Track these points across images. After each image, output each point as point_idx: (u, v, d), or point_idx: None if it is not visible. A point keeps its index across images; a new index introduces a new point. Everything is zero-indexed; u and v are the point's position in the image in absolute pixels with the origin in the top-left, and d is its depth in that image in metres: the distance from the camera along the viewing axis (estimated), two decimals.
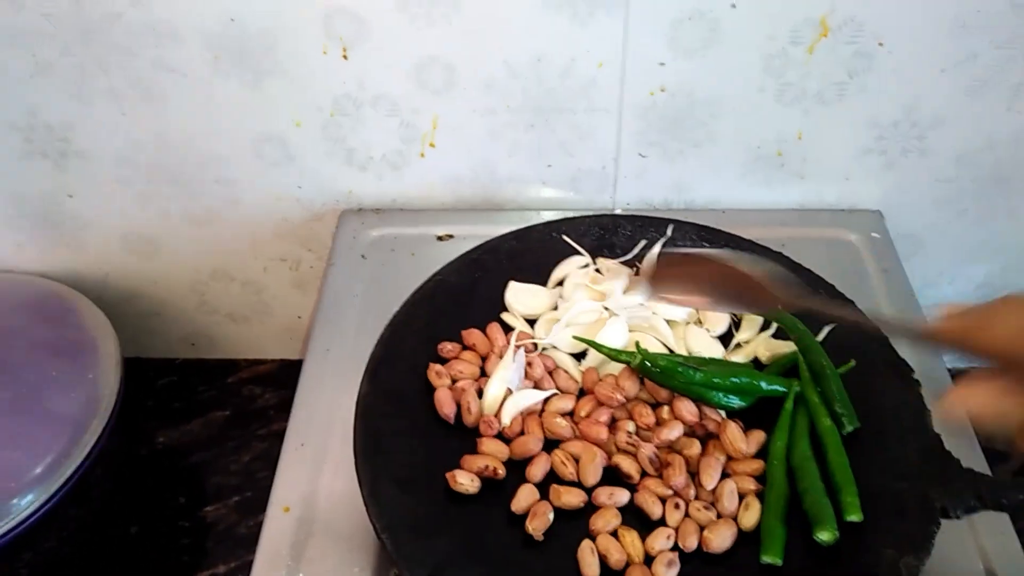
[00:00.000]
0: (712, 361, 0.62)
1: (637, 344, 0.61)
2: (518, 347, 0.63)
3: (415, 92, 0.75)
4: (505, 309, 0.68)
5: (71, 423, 0.75)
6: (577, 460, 0.57)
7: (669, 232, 0.72)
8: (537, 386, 0.62)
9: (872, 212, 0.81)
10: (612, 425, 0.59)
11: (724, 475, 0.57)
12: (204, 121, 0.77)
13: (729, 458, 0.58)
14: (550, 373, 0.63)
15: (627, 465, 0.56)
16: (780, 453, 0.57)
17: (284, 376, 0.72)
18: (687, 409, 0.59)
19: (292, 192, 0.82)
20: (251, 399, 0.95)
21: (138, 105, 0.76)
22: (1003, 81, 0.72)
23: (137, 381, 0.97)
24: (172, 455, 0.91)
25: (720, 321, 0.67)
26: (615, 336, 0.64)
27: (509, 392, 0.61)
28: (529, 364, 0.63)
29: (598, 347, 0.61)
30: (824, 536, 0.52)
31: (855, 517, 0.52)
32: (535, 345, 0.65)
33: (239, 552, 0.82)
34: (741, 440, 0.57)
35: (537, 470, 0.57)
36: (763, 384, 0.59)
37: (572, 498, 0.55)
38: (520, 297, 0.68)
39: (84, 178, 0.82)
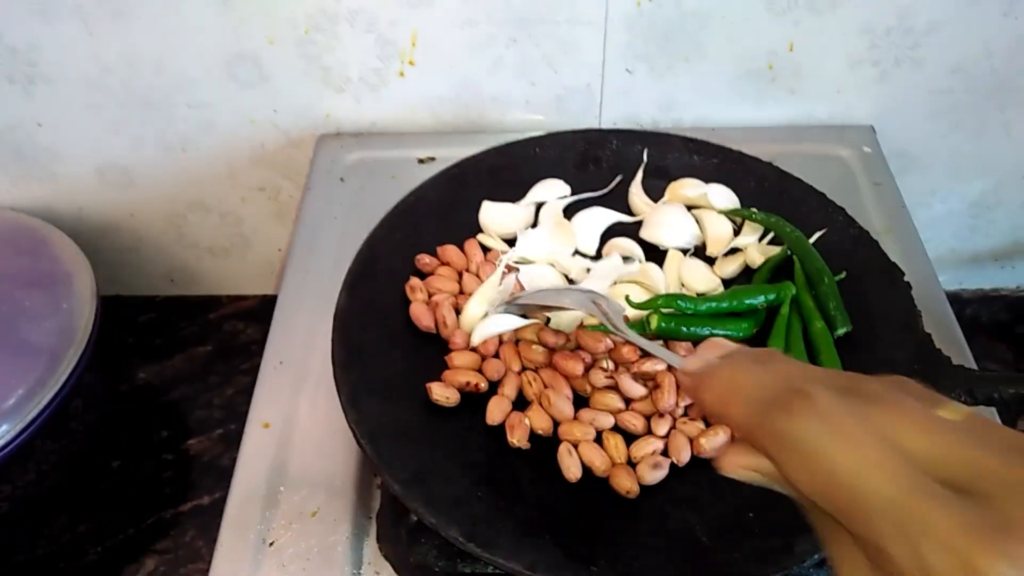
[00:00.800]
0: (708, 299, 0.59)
1: (627, 297, 0.57)
2: (506, 272, 0.61)
3: (393, 4, 0.72)
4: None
5: (45, 354, 0.73)
6: (546, 385, 0.55)
7: (645, 157, 0.69)
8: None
9: (864, 127, 0.79)
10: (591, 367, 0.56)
11: None
12: (174, 40, 0.74)
13: None
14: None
15: (607, 400, 0.54)
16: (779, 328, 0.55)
17: (267, 312, 0.70)
18: (681, 345, 0.56)
19: (268, 116, 0.80)
20: (233, 334, 0.93)
21: (105, 24, 0.73)
22: None
23: (117, 319, 0.96)
24: (154, 391, 0.90)
25: (721, 243, 0.64)
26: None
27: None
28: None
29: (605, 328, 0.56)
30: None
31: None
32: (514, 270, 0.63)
33: (223, 483, 0.79)
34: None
35: (509, 389, 0.55)
36: (760, 298, 0.57)
37: (542, 421, 0.53)
38: (494, 216, 0.66)
39: (53, 105, 0.79)
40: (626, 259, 0.63)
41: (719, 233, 0.63)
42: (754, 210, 0.65)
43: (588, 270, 0.63)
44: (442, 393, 0.54)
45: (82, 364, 0.74)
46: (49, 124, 0.81)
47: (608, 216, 0.67)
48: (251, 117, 0.80)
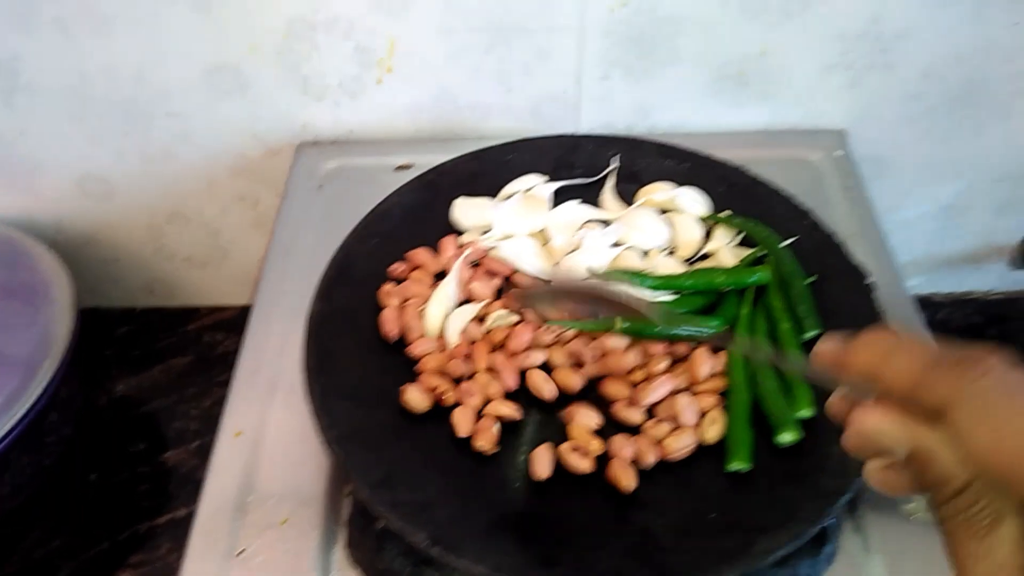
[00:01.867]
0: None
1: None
2: (459, 255, 0.62)
3: (370, 13, 0.72)
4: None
5: (21, 365, 0.72)
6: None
7: (616, 163, 0.70)
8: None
9: (836, 132, 0.79)
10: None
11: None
12: (154, 50, 0.75)
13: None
14: (507, 278, 0.62)
15: (568, 379, 0.55)
16: (740, 359, 0.55)
17: (245, 323, 0.70)
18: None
19: (248, 125, 0.80)
20: (212, 345, 0.93)
21: (86, 34, 0.73)
22: None
23: (97, 331, 0.95)
24: (132, 403, 0.89)
25: (691, 246, 0.65)
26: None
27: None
28: (480, 269, 0.62)
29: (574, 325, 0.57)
30: (786, 437, 0.51)
31: (806, 412, 0.52)
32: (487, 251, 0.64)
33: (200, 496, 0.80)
34: (702, 364, 0.55)
35: (476, 398, 0.55)
36: (723, 278, 0.58)
37: (507, 410, 0.54)
38: (467, 212, 0.66)
39: (34, 115, 0.79)
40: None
41: (690, 237, 0.64)
42: (729, 213, 0.65)
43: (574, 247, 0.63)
44: (414, 398, 0.54)
45: (59, 377, 0.73)
46: (30, 134, 0.81)
47: (584, 212, 0.67)
48: (231, 127, 0.80)
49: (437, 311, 0.59)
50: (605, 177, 0.70)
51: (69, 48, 0.74)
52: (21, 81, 0.76)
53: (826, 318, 0.57)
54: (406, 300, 0.61)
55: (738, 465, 0.51)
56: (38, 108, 0.78)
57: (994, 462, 0.25)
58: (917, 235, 0.90)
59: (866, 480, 0.31)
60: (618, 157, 0.70)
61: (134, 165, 0.83)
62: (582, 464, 0.51)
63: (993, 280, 0.96)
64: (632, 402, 0.53)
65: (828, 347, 0.32)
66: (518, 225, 0.65)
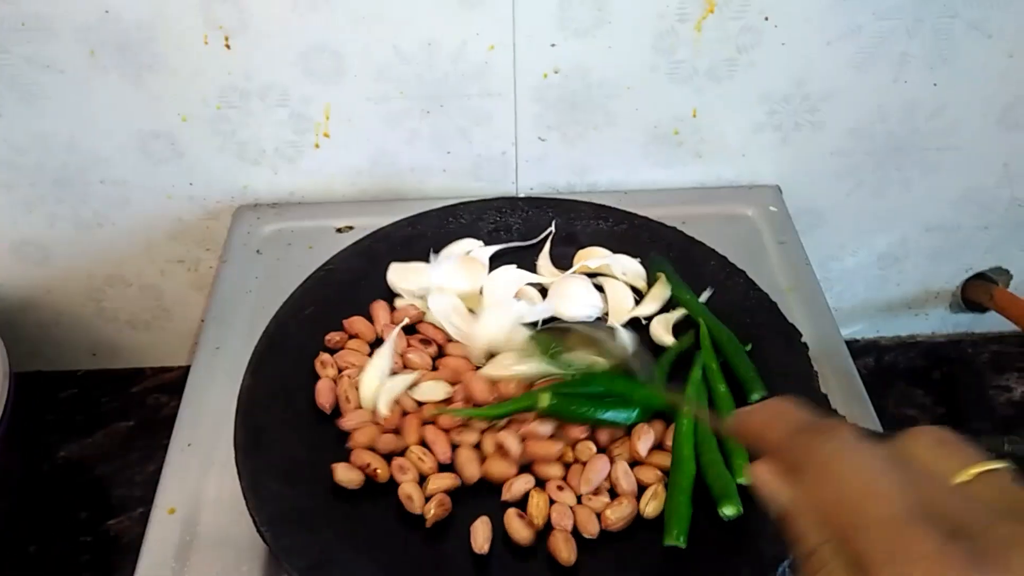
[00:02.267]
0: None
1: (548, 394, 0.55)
2: (393, 322, 0.62)
3: (304, 81, 0.73)
4: (396, 295, 0.67)
5: None
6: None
7: (552, 228, 0.71)
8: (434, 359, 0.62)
9: (770, 187, 0.81)
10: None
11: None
12: (86, 120, 0.74)
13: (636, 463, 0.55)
14: (441, 346, 0.63)
15: (498, 468, 0.54)
16: (688, 431, 0.55)
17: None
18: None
19: (184, 190, 0.80)
20: (156, 408, 0.92)
21: (15, 105, 0.73)
22: (888, 52, 0.73)
23: (37, 395, 0.93)
24: (74, 469, 0.87)
25: (623, 313, 0.65)
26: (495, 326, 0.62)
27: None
28: (415, 337, 0.63)
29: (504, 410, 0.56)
30: (728, 511, 0.51)
31: (744, 480, 0.52)
32: (422, 314, 0.64)
33: None
34: (641, 439, 0.55)
35: (410, 474, 0.54)
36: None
37: (448, 481, 0.53)
38: (403, 275, 0.66)
39: None
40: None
41: (620, 303, 0.64)
42: (662, 274, 0.66)
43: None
44: (346, 475, 0.54)
45: None
46: None
47: (521, 276, 0.67)
48: (167, 192, 0.80)
49: (371, 381, 0.59)
50: (542, 240, 0.70)
51: None
52: None
53: (761, 377, 0.58)
54: (342, 370, 0.61)
55: (674, 542, 0.50)
56: None
57: (830, 517, 0.28)
58: (858, 282, 0.92)
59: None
60: (553, 223, 0.71)
61: (69, 231, 0.82)
62: (524, 533, 0.51)
63: (935, 323, 0.98)
64: (564, 486, 0.53)
65: (737, 414, 0.36)
66: (454, 286, 0.66)
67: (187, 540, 0.58)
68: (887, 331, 0.97)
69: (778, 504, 0.31)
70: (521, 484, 0.53)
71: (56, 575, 0.79)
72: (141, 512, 0.83)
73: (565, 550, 0.50)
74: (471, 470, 0.54)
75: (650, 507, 0.52)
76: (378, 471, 0.54)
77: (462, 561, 0.51)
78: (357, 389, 0.59)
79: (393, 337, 0.61)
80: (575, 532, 0.51)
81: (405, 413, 0.58)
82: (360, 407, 0.58)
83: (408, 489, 0.53)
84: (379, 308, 0.64)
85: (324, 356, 0.61)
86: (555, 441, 0.55)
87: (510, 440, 0.54)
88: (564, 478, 0.54)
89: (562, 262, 0.69)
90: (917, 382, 0.94)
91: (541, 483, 0.54)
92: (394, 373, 0.60)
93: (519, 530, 0.51)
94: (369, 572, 0.50)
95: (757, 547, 0.50)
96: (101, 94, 0.72)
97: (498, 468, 0.54)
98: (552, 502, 0.53)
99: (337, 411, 0.59)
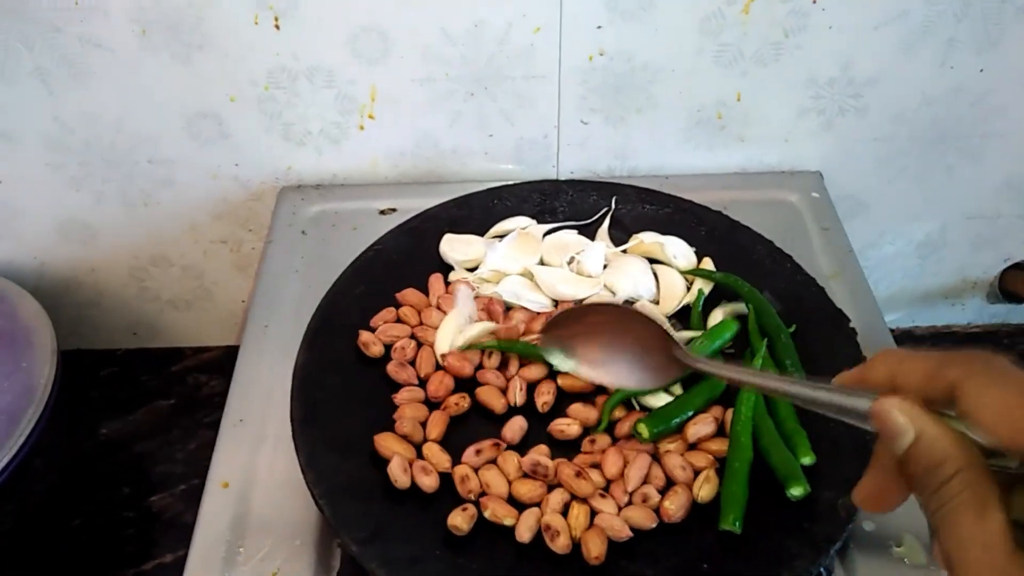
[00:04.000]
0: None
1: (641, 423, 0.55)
2: (455, 284, 0.64)
3: (351, 62, 0.73)
4: (444, 273, 0.67)
5: (3, 414, 0.72)
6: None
7: (613, 204, 0.71)
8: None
9: (812, 173, 0.81)
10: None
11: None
12: (135, 99, 0.75)
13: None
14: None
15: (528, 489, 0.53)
16: (747, 417, 0.54)
17: (229, 363, 0.70)
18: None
19: (229, 171, 0.81)
20: (196, 387, 0.93)
21: (66, 84, 0.74)
22: (935, 37, 0.72)
23: (79, 373, 0.95)
24: (116, 446, 0.89)
25: (675, 300, 0.65)
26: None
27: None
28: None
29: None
30: (796, 491, 0.51)
31: (807, 459, 0.52)
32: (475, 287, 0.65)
33: (186, 541, 0.78)
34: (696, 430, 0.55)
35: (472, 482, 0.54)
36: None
37: (502, 509, 0.52)
38: (455, 246, 0.67)
39: (14, 163, 0.79)
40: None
41: (674, 291, 0.64)
42: (712, 269, 0.66)
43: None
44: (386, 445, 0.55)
45: (42, 423, 0.73)
46: (9, 181, 0.81)
47: (578, 241, 0.68)
48: (212, 172, 0.81)
49: (447, 333, 0.61)
50: (592, 223, 0.71)
51: (48, 97, 0.74)
52: (0, 129, 0.76)
53: (808, 362, 0.58)
54: (388, 346, 0.61)
55: (730, 527, 0.50)
56: (17, 155, 0.78)
57: (1000, 428, 0.28)
58: (896, 271, 0.92)
59: (854, 501, 0.33)
60: (613, 200, 0.71)
61: (115, 210, 0.83)
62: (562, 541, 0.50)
63: (971, 314, 0.98)
64: (606, 495, 0.53)
65: (845, 374, 0.34)
66: (510, 263, 0.66)
67: (241, 513, 0.59)
68: (923, 320, 0.97)
69: (906, 436, 0.30)
70: (557, 498, 0.52)
71: (99, 549, 0.81)
72: (183, 489, 0.84)
73: (594, 547, 0.49)
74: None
75: (703, 491, 0.52)
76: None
77: (507, 541, 0.51)
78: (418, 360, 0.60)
79: (467, 297, 0.62)
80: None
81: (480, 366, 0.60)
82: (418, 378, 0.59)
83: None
84: (436, 280, 0.65)
85: (365, 335, 0.61)
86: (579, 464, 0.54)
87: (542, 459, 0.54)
88: (604, 489, 0.53)
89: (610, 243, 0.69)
90: None
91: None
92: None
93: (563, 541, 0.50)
94: (423, 543, 0.51)
95: (810, 530, 0.50)
96: (151, 74, 0.73)
97: (528, 489, 0.53)
98: (594, 513, 0.52)
99: (394, 385, 0.59)
